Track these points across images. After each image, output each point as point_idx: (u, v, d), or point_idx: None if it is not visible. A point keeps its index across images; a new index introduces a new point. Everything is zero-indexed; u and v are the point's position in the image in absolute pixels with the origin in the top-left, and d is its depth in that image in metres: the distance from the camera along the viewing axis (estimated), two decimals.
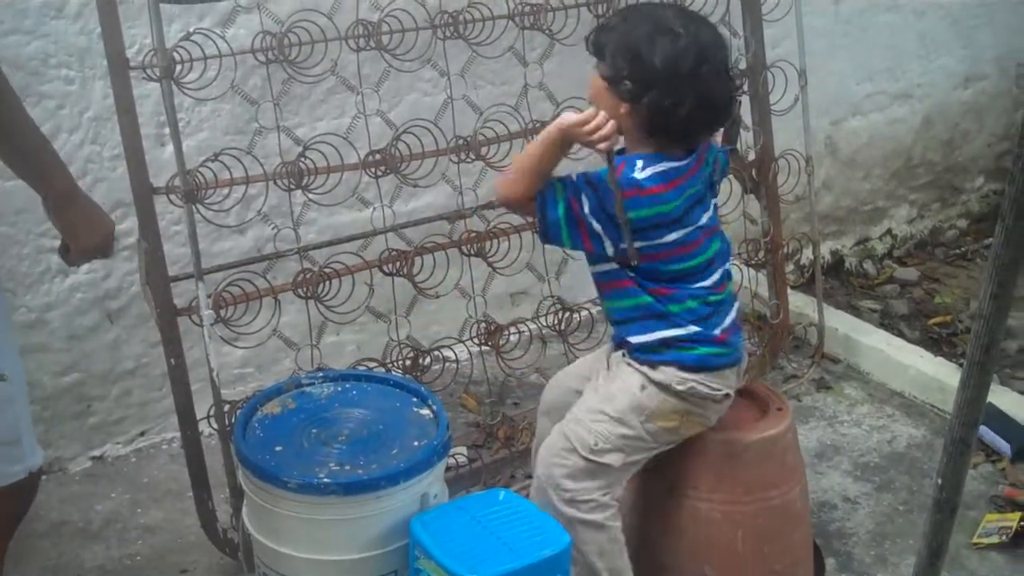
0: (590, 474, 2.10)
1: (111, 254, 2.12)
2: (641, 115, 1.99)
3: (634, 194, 1.99)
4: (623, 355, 2.17)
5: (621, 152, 2.07)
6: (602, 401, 2.13)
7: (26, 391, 2.00)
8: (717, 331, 2.12)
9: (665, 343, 2.10)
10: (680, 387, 2.09)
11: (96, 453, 2.90)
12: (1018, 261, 1.44)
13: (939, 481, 1.63)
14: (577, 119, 1.96)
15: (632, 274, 2.08)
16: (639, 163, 2.01)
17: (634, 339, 2.12)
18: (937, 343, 3.56)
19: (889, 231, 4.28)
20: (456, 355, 2.89)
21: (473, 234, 2.77)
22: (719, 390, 2.13)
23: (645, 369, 2.12)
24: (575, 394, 2.24)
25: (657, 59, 1.95)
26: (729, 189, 2.92)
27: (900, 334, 3.55)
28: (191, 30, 2.44)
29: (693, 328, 2.10)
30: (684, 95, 1.96)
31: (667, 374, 2.10)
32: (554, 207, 2.03)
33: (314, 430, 2.14)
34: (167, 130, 2.65)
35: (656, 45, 1.96)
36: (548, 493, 2.11)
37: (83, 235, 1.96)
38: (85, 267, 2.72)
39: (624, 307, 2.12)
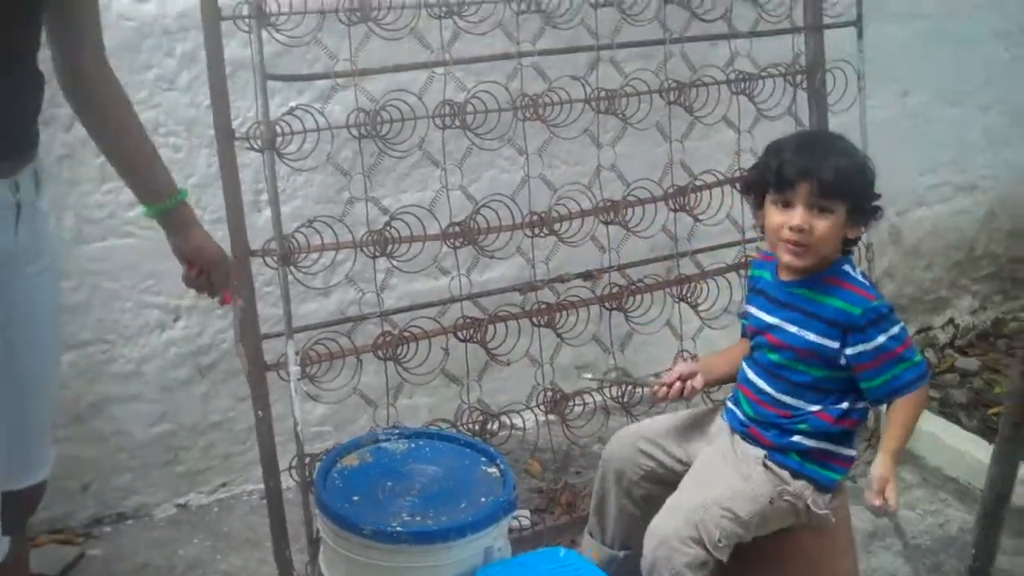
0: (705, 566, 2.14)
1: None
2: (862, 228, 2.24)
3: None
4: (765, 457, 2.24)
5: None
6: (733, 499, 2.18)
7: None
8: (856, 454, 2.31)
9: (819, 458, 2.23)
10: (816, 510, 2.21)
11: (181, 501, 3.05)
12: None
13: (973, 551, 1.72)
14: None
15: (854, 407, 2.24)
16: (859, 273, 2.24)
17: (818, 444, 2.22)
18: (996, 432, 3.59)
19: (951, 321, 4.34)
20: (524, 421, 3.00)
21: (543, 305, 2.91)
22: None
23: (785, 475, 2.21)
24: (637, 452, 2.37)
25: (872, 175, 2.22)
26: None
27: (958, 422, 3.58)
28: (292, 105, 2.63)
29: (855, 453, 2.29)
30: None
31: (805, 490, 2.22)
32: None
33: (389, 483, 2.26)
34: (263, 197, 2.85)
35: (867, 162, 2.23)
36: (663, 574, 2.14)
37: (219, 257, 2.09)
38: (181, 323, 2.90)
39: (834, 431, 2.23)
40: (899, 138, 3.88)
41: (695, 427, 2.40)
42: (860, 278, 2.21)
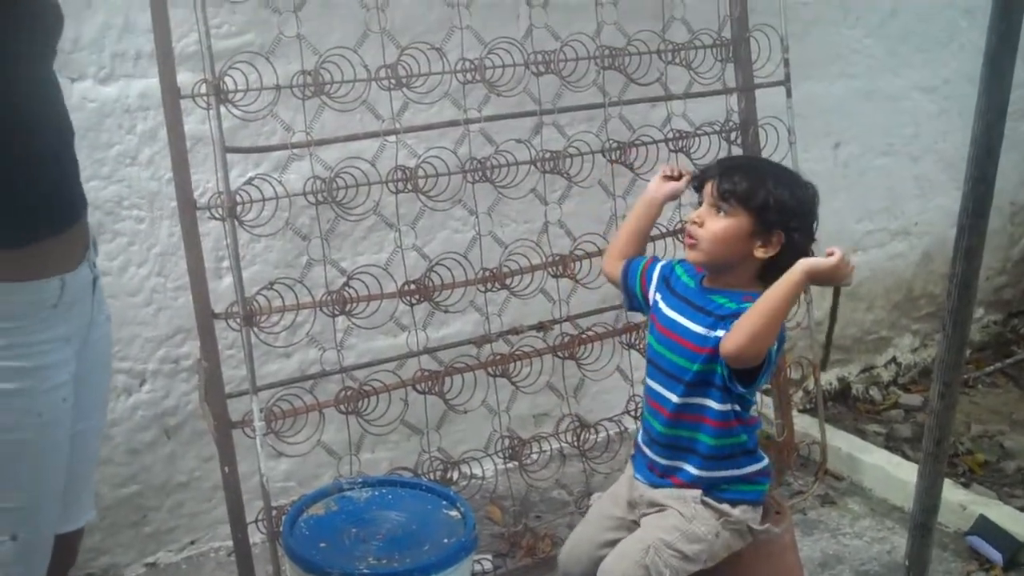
0: None
1: None
2: (774, 256, 2.25)
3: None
4: (702, 495, 2.30)
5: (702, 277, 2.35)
6: (682, 541, 2.26)
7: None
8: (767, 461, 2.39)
9: (746, 478, 2.33)
10: (757, 527, 2.32)
11: (150, 560, 3.12)
12: (959, 363, 1.70)
13: (906, 562, 1.85)
14: (832, 263, 2.14)
15: (741, 412, 2.30)
16: None
17: (724, 473, 2.31)
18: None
19: (894, 359, 4.51)
20: (483, 470, 3.11)
21: (498, 356, 3.04)
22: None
23: (725, 507, 2.30)
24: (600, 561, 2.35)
25: (810, 206, 2.27)
26: None
27: (905, 456, 3.73)
28: (251, 175, 2.75)
29: (765, 460, 2.37)
30: (807, 240, 2.28)
31: (746, 513, 2.32)
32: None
33: (354, 529, 2.37)
34: (223, 264, 2.97)
35: (808, 195, 2.28)
36: None
37: None
38: (147, 386, 3.00)
39: (725, 444, 2.30)
40: (834, 188, 4.07)
41: (620, 504, 2.45)
42: None
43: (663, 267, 2.46)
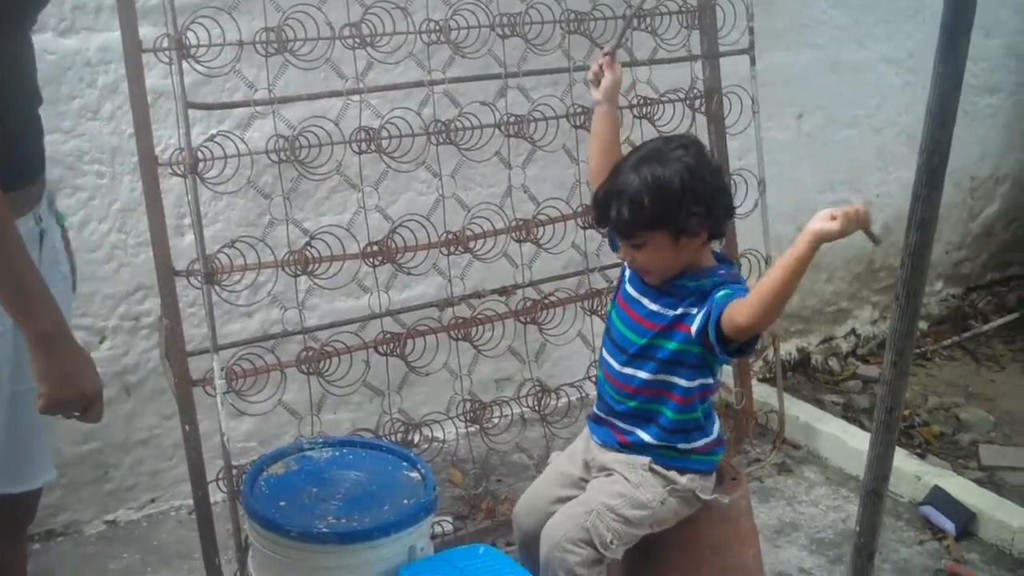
0: (598, 563, 2.29)
1: (93, 418, 1.85)
2: (705, 231, 2.22)
3: None
4: (651, 462, 2.32)
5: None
6: (626, 506, 2.30)
7: None
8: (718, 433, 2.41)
9: (695, 450, 2.34)
10: (705, 496, 2.34)
11: (110, 517, 3.12)
12: (912, 333, 1.72)
13: (857, 529, 1.88)
14: (836, 228, 2.04)
15: (713, 383, 2.31)
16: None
17: (683, 445, 2.32)
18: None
19: (853, 331, 4.56)
20: (444, 433, 3.11)
21: (460, 320, 3.04)
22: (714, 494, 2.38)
23: (672, 474, 2.31)
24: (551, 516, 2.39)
25: (690, 178, 2.18)
26: None
27: (861, 426, 3.78)
28: (213, 132, 2.73)
29: (715, 434, 2.38)
30: (718, 192, 2.24)
31: (694, 482, 2.33)
32: None
33: (314, 488, 2.37)
34: (185, 221, 2.95)
35: (680, 169, 2.19)
36: (558, 573, 2.29)
37: (56, 385, 1.74)
38: (107, 343, 2.98)
39: (684, 419, 2.31)
40: (796, 158, 4.09)
41: (576, 463, 2.48)
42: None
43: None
